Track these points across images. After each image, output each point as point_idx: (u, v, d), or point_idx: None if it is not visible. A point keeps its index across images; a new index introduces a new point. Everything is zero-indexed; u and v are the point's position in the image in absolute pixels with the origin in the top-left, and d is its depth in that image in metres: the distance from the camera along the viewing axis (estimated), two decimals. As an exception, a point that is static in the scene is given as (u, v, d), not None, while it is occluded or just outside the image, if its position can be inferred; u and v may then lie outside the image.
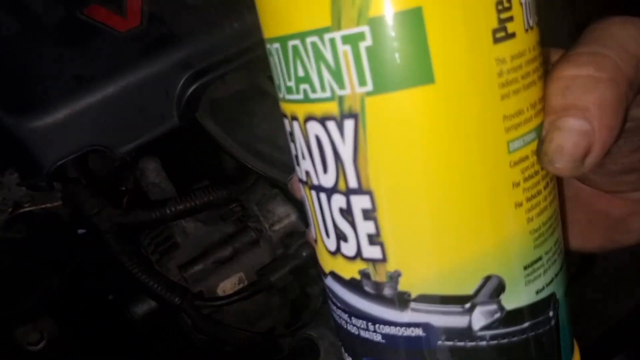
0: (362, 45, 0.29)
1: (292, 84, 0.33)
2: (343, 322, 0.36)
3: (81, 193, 0.89)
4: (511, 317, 0.33)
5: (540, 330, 0.34)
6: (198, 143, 1.16)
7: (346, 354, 0.39)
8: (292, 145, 0.36)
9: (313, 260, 0.94)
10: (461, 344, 0.33)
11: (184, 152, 1.15)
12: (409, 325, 0.33)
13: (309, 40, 0.30)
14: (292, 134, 0.35)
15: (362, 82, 0.29)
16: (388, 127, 0.30)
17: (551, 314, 0.35)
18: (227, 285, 0.93)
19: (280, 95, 0.35)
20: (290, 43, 0.31)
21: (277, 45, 0.33)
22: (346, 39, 0.29)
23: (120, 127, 0.85)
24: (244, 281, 0.94)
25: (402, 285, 0.32)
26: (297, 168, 0.36)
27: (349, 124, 0.31)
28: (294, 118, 0.34)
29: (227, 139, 0.87)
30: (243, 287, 0.92)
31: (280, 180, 0.89)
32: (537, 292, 0.34)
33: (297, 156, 0.35)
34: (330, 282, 0.36)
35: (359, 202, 0.32)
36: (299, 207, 0.99)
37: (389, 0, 0.27)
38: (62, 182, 0.88)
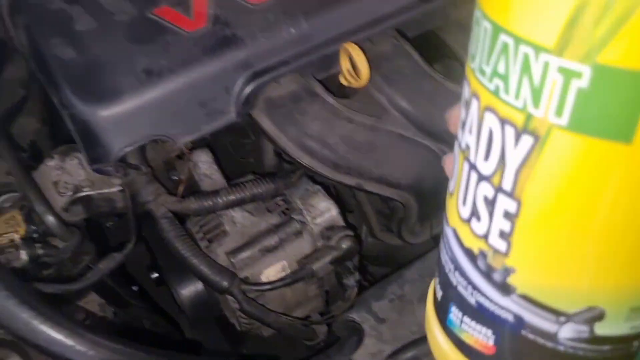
0: (575, 83, 0.28)
1: (487, 69, 0.33)
2: (447, 268, 0.41)
3: (141, 180, 0.96)
4: (598, 340, 0.36)
5: (619, 353, 0.37)
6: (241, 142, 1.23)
7: (439, 286, 0.44)
8: (462, 109, 0.38)
9: (352, 253, 1.00)
10: (541, 341, 0.37)
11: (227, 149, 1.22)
12: (502, 307, 0.37)
13: (522, 48, 0.30)
14: (467, 103, 0.36)
15: (559, 114, 0.29)
16: (566, 162, 0.30)
17: (636, 343, 0.37)
18: (271, 272, 0.99)
19: (471, 65, 0.35)
20: (503, 37, 0.31)
21: (487, 25, 0.32)
22: (563, 70, 0.28)
23: (182, 119, 0.92)
24: (286, 269, 1.00)
25: (512, 280, 0.36)
26: (459, 130, 0.38)
27: (527, 140, 0.31)
28: (475, 95, 0.35)
29: (280, 135, 0.94)
30: (286, 274, 0.99)
31: (327, 176, 0.95)
32: (632, 328, 0.36)
33: (464, 123, 0.37)
34: (449, 232, 0.40)
35: (505, 203, 0.34)
36: (338, 203, 1.05)
37: (622, 54, 0.26)
38: (123, 168, 0.94)
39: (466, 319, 0.41)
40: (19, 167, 0.97)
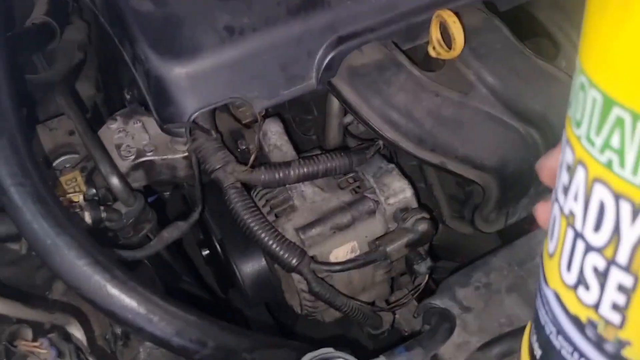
0: None
1: (597, 140, 0.31)
2: (548, 330, 0.37)
3: (209, 146, 0.90)
4: None
5: None
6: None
7: (536, 344, 0.39)
8: (564, 172, 0.34)
9: (427, 237, 0.94)
10: None
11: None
12: None
13: None
14: (571, 169, 0.33)
15: None
16: None
17: None
18: (340, 253, 0.93)
19: (576, 132, 0.33)
20: (616, 110, 0.29)
21: (597, 95, 0.30)
22: None
23: (261, 82, 0.86)
24: (356, 250, 0.94)
25: (628, 353, 0.33)
26: (560, 194, 0.35)
27: None
28: (582, 163, 0.32)
29: (362, 105, 0.88)
30: (356, 256, 0.93)
31: (410, 152, 0.89)
32: None
33: (567, 189, 0.34)
34: (549, 294, 0.37)
35: (619, 277, 0.31)
36: (413, 184, 0.99)
37: None
38: (194, 131, 0.89)
39: None
40: (85, 125, 0.92)
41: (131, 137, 0.98)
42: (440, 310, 0.78)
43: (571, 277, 0.34)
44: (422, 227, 0.93)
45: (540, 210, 0.42)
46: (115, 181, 0.88)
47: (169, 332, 0.68)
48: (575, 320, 0.34)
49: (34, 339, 0.64)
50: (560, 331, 0.36)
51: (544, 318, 0.38)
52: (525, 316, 0.80)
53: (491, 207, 1.00)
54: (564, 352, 0.36)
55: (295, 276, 0.93)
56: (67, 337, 0.66)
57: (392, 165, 1.00)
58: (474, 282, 0.83)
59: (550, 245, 0.37)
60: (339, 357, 0.66)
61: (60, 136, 0.98)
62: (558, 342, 0.36)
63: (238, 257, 0.98)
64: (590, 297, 0.33)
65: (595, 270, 0.32)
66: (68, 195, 0.85)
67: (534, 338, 0.40)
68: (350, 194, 0.96)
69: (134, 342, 1.10)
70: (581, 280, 0.33)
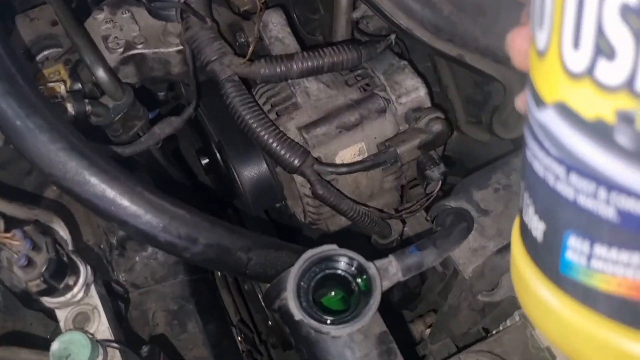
0: None
1: None
2: (550, 176, 0.28)
3: (204, 35, 0.82)
4: None
5: None
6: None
7: (536, 216, 0.30)
8: None
9: (442, 138, 0.87)
10: None
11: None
12: None
13: None
14: None
15: None
16: None
17: None
18: (346, 155, 0.86)
19: None
20: None
21: None
22: None
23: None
24: (364, 152, 0.87)
25: None
26: None
27: None
28: None
29: (374, -12, 0.79)
30: (365, 157, 0.85)
31: (426, 42, 0.80)
32: None
33: None
34: (550, 115, 0.27)
35: None
36: (427, 83, 0.91)
37: None
38: (186, 15, 0.80)
39: (600, 250, 0.27)
40: (68, 14, 0.84)
41: (119, 29, 0.89)
42: (457, 209, 0.71)
43: (582, 55, 0.25)
44: (437, 127, 0.85)
45: (515, 37, 0.32)
46: (101, 73, 0.81)
47: (155, 227, 0.61)
48: (598, 129, 0.25)
49: (6, 230, 0.58)
50: (573, 165, 0.27)
51: (539, 167, 0.29)
52: (548, 219, 0.73)
53: (511, 110, 0.92)
54: (582, 201, 0.27)
55: (298, 179, 0.87)
56: (45, 232, 0.60)
57: (404, 62, 0.91)
58: (492, 183, 0.76)
59: (540, 39, 0.27)
60: (343, 255, 0.60)
61: (42, 26, 0.90)
62: (570, 187, 0.27)
63: (237, 161, 0.91)
64: (617, 69, 0.24)
65: (624, 10, 0.23)
66: (49, 85, 0.78)
67: (529, 214, 0.31)
68: (358, 92, 0.88)
69: (129, 252, 1.05)
70: (601, 47, 0.24)
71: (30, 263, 0.57)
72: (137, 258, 1.03)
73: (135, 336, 0.87)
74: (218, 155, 0.98)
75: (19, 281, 0.58)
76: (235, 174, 0.91)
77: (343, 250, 0.61)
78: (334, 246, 0.61)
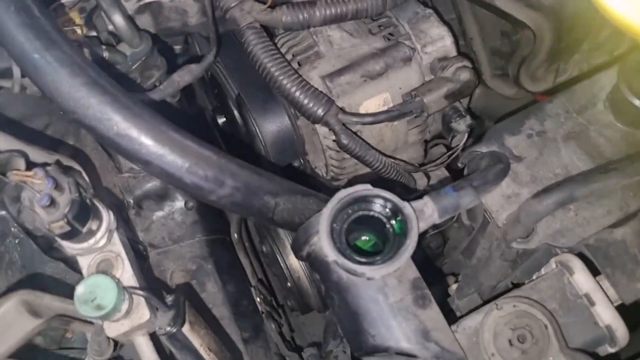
0: None
1: None
2: None
3: (224, -21, 0.79)
4: None
5: None
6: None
7: None
8: None
9: (469, 88, 0.84)
10: None
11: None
12: None
13: None
14: None
15: None
16: None
17: None
18: (371, 105, 0.83)
19: None
20: None
21: None
22: None
23: None
24: (389, 103, 0.84)
25: None
26: None
27: None
28: None
29: None
30: (391, 107, 0.83)
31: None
32: None
33: None
34: None
35: None
36: (453, 32, 0.88)
37: None
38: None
39: None
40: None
41: (136, -25, 0.86)
42: (492, 151, 0.68)
43: None
44: (464, 75, 0.82)
45: None
46: (118, 18, 0.78)
47: (180, 168, 0.59)
48: None
49: (28, 169, 0.55)
50: None
51: None
52: (585, 166, 0.70)
53: (541, 60, 0.89)
54: None
55: (321, 131, 0.84)
56: (67, 171, 0.58)
57: (429, 10, 0.88)
58: (526, 129, 0.73)
59: None
60: (377, 195, 0.57)
61: (55, -26, 0.87)
62: None
63: (257, 113, 0.88)
64: None
65: None
66: (64, 29, 0.75)
67: None
68: (382, 40, 0.85)
69: (146, 211, 1.02)
70: None
71: (52, 203, 0.55)
72: (154, 217, 1.01)
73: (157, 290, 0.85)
74: (236, 111, 0.95)
75: (41, 223, 0.56)
76: (256, 128, 0.88)
77: (378, 190, 0.58)
78: (368, 186, 0.58)
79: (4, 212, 0.88)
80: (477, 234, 0.79)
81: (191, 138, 0.60)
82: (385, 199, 0.58)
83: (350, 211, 0.58)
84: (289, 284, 1.06)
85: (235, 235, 1.14)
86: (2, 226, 0.82)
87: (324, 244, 0.56)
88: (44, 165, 0.57)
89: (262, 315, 1.04)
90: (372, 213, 0.59)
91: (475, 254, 0.80)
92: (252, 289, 1.05)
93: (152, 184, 1.01)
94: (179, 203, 1.01)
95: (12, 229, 0.91)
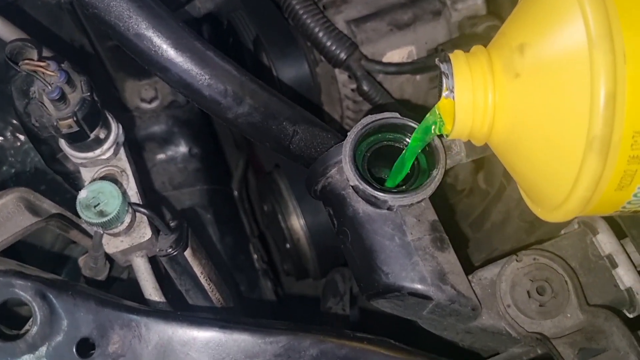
0: None
1: None
2: None
3: None
4: None
5: None
6: None
7: None
8: None
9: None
10: None
11: None
12: None
13: None
14: None
15: None
16: None
17: None
18: (394, 57, 0.81)
19: None
20: None
21: None
22: None
23: None
24: (413, 57, 0.81)
25: None
26: None
27: None
28: None
29: None
30: (416, 59, 0.80)
31: None
32: None
33: None
34: None
35: None
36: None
37: None
38: None
39: None
40: None
41: None
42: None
43: None
44: (494, 34, 0.80)
45: None
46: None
47: (200, 79, 0.55)
48: None
49: (40, 60, 0.52)
50: None
51: None
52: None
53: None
54: None
55: (341, 79, 0.81)
56: (81, 72, 0.54)
57: (461, -34, 0.85)
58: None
59: None
60: (405, 124, 0.54)
61: None
62: None
63: (276, 56, 0.85)
64: None
65: None
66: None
67: None
68: (412, -8, 0.83)
69: (148, 153, 0.99)
70: None
71: (63, 98, 0.52)
72: (155, 160, 0.98)
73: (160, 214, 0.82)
74: (255, 55, 0.92)
75: (49, 120, 0.52)
76: (274, 70, 0.85)
77: (406, 120, 0.55)
78: (396, 114, 0.55)
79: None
80: (494, 198, 0.77)
81: (213, 50, 0.57)
82: (414, 130, 0.55)
83: (374, 140, 0.56)
84: (287, 246, 1.03)
85: (236, 192, 1.10)
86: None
87: (345, 168, 0.53)
88: (57, 60, 0.54)
89: (258, 272, 1.01)
90: (397, 144, 0.56)
91: (489, 218, 0.77)
92: (251, 245, 1.02)
93: (158, 127, 0.98)
94: (183, 149, 0.98)
95: (10, 158, 0.87)
